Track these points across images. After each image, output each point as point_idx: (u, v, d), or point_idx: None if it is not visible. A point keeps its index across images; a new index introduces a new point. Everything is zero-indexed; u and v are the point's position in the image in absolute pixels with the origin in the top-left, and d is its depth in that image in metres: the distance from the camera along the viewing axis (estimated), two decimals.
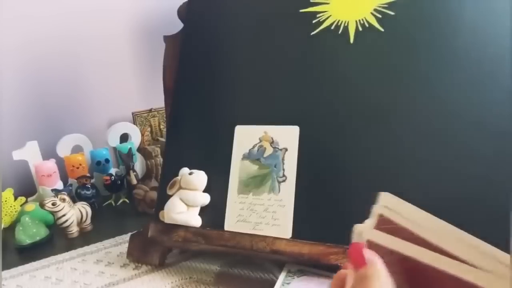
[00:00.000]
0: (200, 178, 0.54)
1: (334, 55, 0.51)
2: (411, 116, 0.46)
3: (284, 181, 0.50)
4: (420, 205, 0.42)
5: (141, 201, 0.77)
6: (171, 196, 0.55)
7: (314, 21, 0.53)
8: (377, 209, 0.20)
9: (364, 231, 0.20)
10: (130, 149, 0.84)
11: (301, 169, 0.49)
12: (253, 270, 0.54)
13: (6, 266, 0.61)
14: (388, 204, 0.20)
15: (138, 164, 0.88)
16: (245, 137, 0.54)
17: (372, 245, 0.19)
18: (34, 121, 0.93)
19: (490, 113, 0.42)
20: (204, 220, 0.53)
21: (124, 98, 1.02)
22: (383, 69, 0.48)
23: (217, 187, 0.53)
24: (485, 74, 0.44)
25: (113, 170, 0.87)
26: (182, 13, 0.64)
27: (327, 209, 0.47)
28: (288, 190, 0.49)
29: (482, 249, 0.17)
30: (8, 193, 0.77)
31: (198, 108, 0.58)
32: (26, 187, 0.86)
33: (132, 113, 0.97)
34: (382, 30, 0.49)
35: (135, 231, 0.61)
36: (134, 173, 0.83)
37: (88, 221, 0.72)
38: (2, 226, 0.74)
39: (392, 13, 0.49)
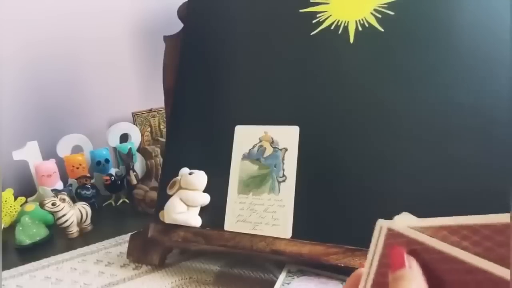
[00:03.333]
0: (200, 178, 0.54)
1: (334, 55, 0.51)
2: (412, 116, 0.46)
3: (284, 181, 0.50)
4: (422, 205, 0.42)
5: (141, 201, 0.77)
6: (171, 196, 0.55)
7: (314, 21, 0.53)
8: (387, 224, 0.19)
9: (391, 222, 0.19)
10: (130, 149, 0.84)
11: (301, 169, 0.49)
12: (253, 270, 0.54)
13: (6, 266, 0.61)
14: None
15: (138, 164, 0.88)
16: (245, 137, 0.54)
17: (393, 235, 0.18)
18: (34, 121, 0.93)
19: (492, 112, 0.42)
20: (204, 220, 0.53)
21: (124, 98, 1.02)
22: (383, 69, 0.48)
23: (217, 187, 0.53)
24: (487, 73, 0.44)
25: (113, 170, 0.87)
26: (182, 13, 0.64)
27: (327, 209, 0.47)
28: (288, 190, 0.49)
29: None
30: (8, 193, 0.77)
31: (198, 108, 0.58)
32: (26, 187, 0.86)
33: (132, 113, 0.97)
34: (382, 30, 0.49)
35: (135, 231, 0.61)
36: (134, 173, 0.83)
37: (88, 221, 0.72)
38: (2, 226, 0.74)
39: (392, 13, 0.49)
